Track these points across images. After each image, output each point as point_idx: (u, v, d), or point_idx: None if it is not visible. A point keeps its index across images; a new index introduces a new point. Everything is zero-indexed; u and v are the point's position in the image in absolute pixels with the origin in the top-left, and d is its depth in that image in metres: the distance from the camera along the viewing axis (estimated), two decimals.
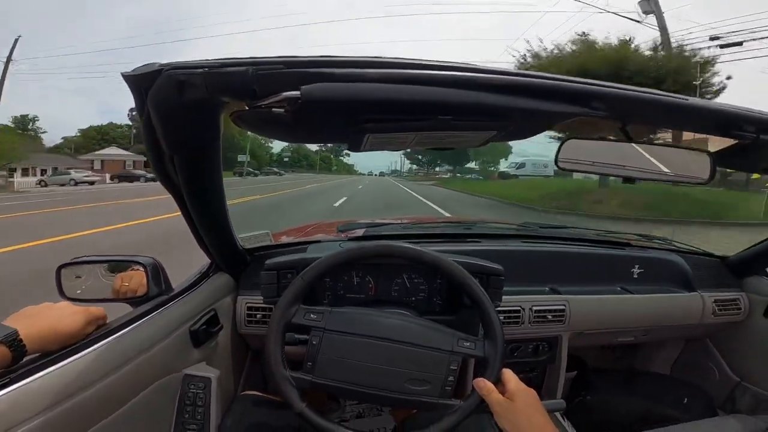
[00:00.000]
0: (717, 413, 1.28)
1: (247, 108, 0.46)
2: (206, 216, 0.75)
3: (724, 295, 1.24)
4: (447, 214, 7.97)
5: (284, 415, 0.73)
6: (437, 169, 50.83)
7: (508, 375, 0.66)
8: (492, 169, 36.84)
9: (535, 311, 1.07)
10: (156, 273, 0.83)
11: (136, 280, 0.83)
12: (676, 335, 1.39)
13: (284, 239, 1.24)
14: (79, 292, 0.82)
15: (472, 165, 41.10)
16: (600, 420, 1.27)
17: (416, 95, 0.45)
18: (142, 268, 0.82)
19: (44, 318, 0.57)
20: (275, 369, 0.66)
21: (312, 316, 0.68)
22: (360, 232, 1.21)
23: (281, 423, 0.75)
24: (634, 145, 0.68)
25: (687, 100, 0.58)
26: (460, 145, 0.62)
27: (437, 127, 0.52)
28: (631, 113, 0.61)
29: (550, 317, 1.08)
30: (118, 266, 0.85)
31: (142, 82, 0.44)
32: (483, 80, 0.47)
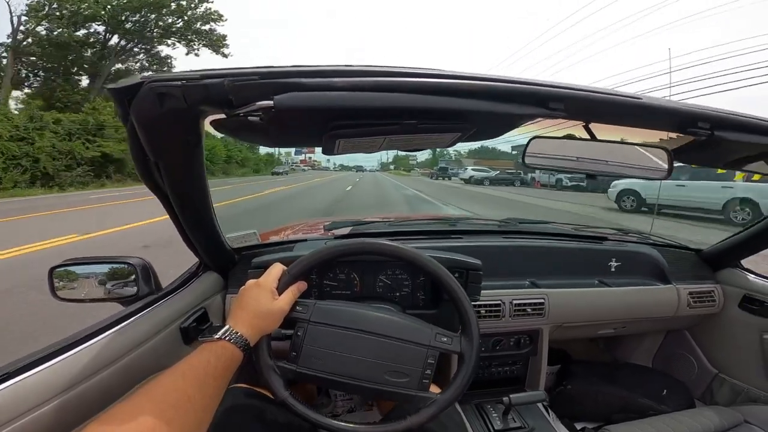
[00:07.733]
0: (695, 405, 1.32)
1: (225, 116, 0.49)
2: (193, 219, 0.78)
3: (699, 288, 1.28)
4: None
5: (274, 408, 0.75)
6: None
7: None
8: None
9: (515, 305, 1.11)
10: (146, 273, 0.86)
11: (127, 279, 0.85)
12: (656, 327, 1.44)
13: (272, 239, 1.27)
14: (71, 292, 0.86)
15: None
16: (582, 409, 1.31)
17: (381, 102, 0.49)
18: (132, 269, 0.85)
19: (248, 307, 0.66)
20: (261, 358, 0.69)
21: (298, 308, 0.71)
22: (346, 231, 1.24)
23: (271, 415, 0.77)
24: (596, 143, 0.72)
25: (641, 99, 0.60)
26: (428, 146, 0.66)
27: (404, 131, 0.56)
28: (589, 113, 0.64)
29: (529, 310, 1.12)
30: (108, 266, 0.87)
31: (125, 93, 0.46)
32: (444, 85, 0.51)
